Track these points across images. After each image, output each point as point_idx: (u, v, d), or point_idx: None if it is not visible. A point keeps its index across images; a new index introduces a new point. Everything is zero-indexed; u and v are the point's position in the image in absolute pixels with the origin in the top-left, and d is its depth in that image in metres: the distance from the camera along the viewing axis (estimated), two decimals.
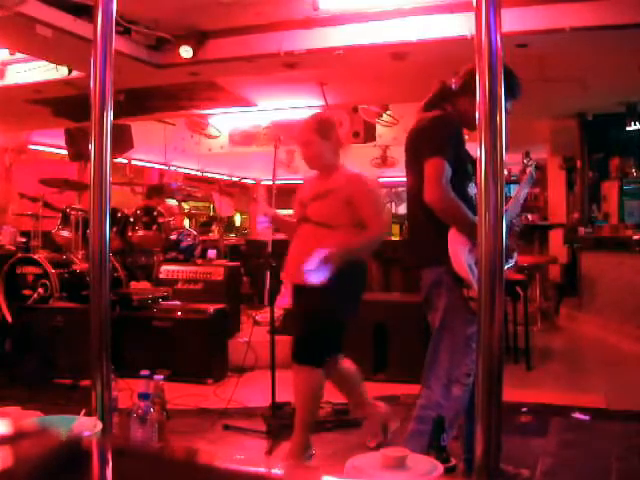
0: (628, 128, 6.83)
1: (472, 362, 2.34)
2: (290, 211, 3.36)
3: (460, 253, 2.37)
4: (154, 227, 5.48)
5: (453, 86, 2.54)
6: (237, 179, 12.72)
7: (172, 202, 6.59)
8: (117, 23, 1.73)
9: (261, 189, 13.24)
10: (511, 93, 2.46)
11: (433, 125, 2.50)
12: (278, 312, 4.86)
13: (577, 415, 3.55)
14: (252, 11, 4.55)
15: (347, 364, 3.10)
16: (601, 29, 4.20)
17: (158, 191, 6.21)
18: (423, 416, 2.38)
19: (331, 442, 3.23)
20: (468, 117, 2.48)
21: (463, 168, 2.44)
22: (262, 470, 0.80)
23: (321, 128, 2.95)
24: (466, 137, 2.54)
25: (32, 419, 1.68)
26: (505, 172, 1.47)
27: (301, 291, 2.98)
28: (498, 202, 1.40)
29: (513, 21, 4.08)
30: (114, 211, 5.30)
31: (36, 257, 5.01)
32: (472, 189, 2.44)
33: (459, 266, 2.36)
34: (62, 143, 7.84)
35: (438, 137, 2.45)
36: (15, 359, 4.50)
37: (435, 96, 2.59)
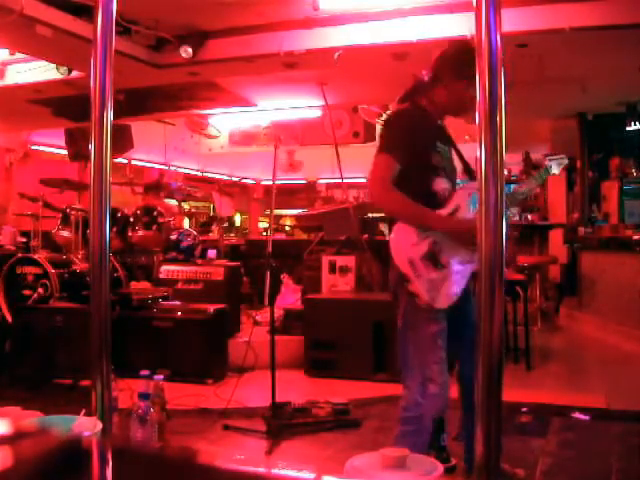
0: (628, 128, 6.83)
1: (441, 360, 2.31)
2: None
3: (401, 246, 2.34)
4: (154, 227, 5.48)
5: (426, 78, 2.51)
6: (237, 179, 12.73)
7: (172, 202, 6.59)
8: (117, 23, 1.73)
9: None
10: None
11: (386, 122, 2.51)
12: (278, 312, 4.86)
13: (577, 415, 3.55)
14: (252, 11, 4.55)
15: None
16: (601, 29, 4.20)
17: (156, 189, 6.21)
18: (405, 417, 2.37)
19: (331, 442, 3.23)
20: (444, 106, 2.48)
21: (425, 163, 2.38)
22: (262, 470, 0.80)
23: None
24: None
25: (32, 419, 1.68)
26: (505, 172, 1.48)
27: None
28: (498, 202, 1.40)
29: (513, 21, 4.08)
30: (114, 211, 5.30)
31: (36, 257, 5.00)
32: (440, 183, 2.39)
33: (398, 259, 2.33)
34: (62, 143, 7.84)
35: (387, 134, 2.44)
36: (15, 359, 4.50)
37: (407, 91, 2.55)
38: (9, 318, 4.83)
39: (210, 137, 8.84)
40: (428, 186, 2.37)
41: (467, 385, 2.47)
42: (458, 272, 2.34)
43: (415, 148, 2.36)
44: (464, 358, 2.48)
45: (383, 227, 7.83)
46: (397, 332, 2.46)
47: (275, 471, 0.77)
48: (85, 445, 0.90)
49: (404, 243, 2.33)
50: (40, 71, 5.50)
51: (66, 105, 6.36)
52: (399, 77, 5.25)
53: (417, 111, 2.47)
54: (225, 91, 6.23)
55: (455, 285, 2.33)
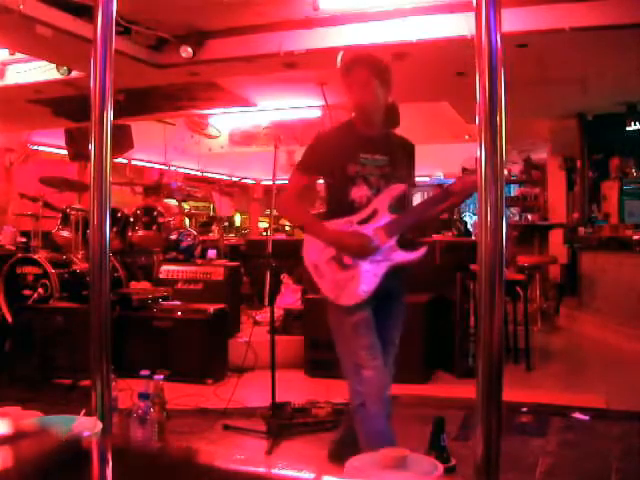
0: (628, 128, 6.83)
1: (368, 346, 2.44)
2: None
3: (308, 251, 2.57)
4: (154, 227, 5.48)
5: None
6: (237, 179, 12.73)
7: (172, 202, 6.59)
8: (117, 23, 1.73)
9: None
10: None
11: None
12: (278, 312, 4.86)
13: (577, 415, 3.55)
14: (252, 11, 4.55)
15: None
16: (601, 29, 4.20)
17: (156, 189, 6.20)
18: (352, 408, 2.49)
19: None
20: (357, 113, 2.62)
21: (341, 174, 2.52)
22: (262, 470, 0.80)
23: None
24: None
25: (32, 419, 1.68)
26: (505, 172, 1.48)
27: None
28: (498, 202, 1.40)
29: (513, 21, 4.08)
30: (114, 211, 5.29)
31: (36, 257, 5.00)
32: (357, 192, 2.52)
33: (305, 262, 2.57)
34: (62, 143, 7.84)
35: (304, 153, 2.65)
36: (15, 359, 4.50)
37: None
38: (9, 318, 4.83)
39: (210, 137, 8.83)
40: (345, 195, 2.52)
41: (384, 379, 2.56)
42: (368, 271, 2.48)
43: (327, 163, 2.55)
44: (389, 354, 2.58)
45: None
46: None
47: (275, 471, 0.77)
48: (85, 445, 0.90)
49: (311, 248, 2.56)
50: (40, 71, 5.50)
51: (66, 105, 6.36)
52: (399, 77, 5.27)
53: (344, 127, 2.64)
54: (225, 91, 6.23)
55: (364, 283, 2.46)
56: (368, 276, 2.46)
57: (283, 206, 2.74)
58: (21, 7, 3.89)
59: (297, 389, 4.16)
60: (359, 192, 2.51)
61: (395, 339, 2.60)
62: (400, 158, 2.62)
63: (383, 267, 2.48)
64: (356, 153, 2.53)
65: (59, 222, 5.48)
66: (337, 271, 2.49)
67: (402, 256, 2.50)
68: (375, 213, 2.51)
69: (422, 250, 2.51)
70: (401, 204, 2.56)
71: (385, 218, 2.50)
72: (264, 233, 11.21)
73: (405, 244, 2.52)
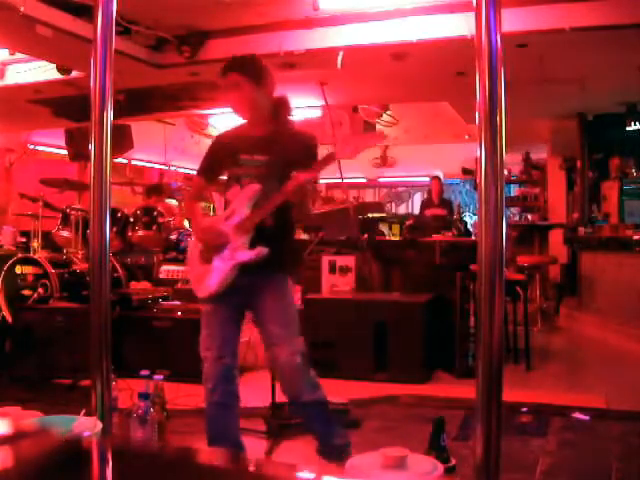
0: (628, 128, 6.83)
1: (205, 336, 2.72)
2: None
3: (189, 245, 2.85)
4: (154, 227, 5.47)
5: None
6: None
7: (172, 202, 6.59)
8: (117, 23, 1.73)
9: None
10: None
11: None
12: None
13: (577, 415, 3.55)
14: (252, 11, 4.55)
15: None
16: (601, 29, 4.20)
17: (157, 190, 6.21)
18: None
19: None
20: (239, 116, 2.78)
21: (227, 176, 2.71)
22: (262, 470, 0.80)
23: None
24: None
25: (32, 419, 1.68)
26: (505, 172, 1.48)
27: None
28: (498, 202, 1.40)
29: (513, 21, 4.09)
30: (114, 211, 5.29)
31: (36, 257, 5.00)
32: (231, 192, 2.65)
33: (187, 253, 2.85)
34: (62, 143, 7.84)
35: None
36: (15, 359, 4.50)
37: None
38: (9, 318, 4.83)
39: (210, 137, 8.83)
40: (225, 195, 2.70)
41: (281, 376, 2.84)
42: (217, 267, 2.63)
43: (216, 166, 2.75)
44: (273, 351, 2.75)
45: (383, 227, 7.84)
46: None
47: (275, 471, 0.77)
48: (85, 445, 0.90)
49: (191, 243, 2.82)
50: (40, 71, 5.50)
51: (66, 105, 6.36)
52: (399, 77, 5.28)
53: (234, 129, 2.80)
54: None
55: (212, 279, 2.63)
56: (217, 272, 2.63)
57: (184, 206, 2.95)
58: (22, 9, 3.89)
59: None
60: (232, 192, 2.66)
61: (280, 329, 2.69)
62: (286, 156, 2.64)
63: (229, 265, 2.61)
64: (237, 155, 2.65)
65: (59, 222, 5.48)
66: (199, 265, 2.69)
67: (243, 255, 2.62)
68: (233, 212, 2.64)
69: (257, 251, 2.60)
70: (265, 202, 2.61)
71: (238, 217, 2.63)
72: None
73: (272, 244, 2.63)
